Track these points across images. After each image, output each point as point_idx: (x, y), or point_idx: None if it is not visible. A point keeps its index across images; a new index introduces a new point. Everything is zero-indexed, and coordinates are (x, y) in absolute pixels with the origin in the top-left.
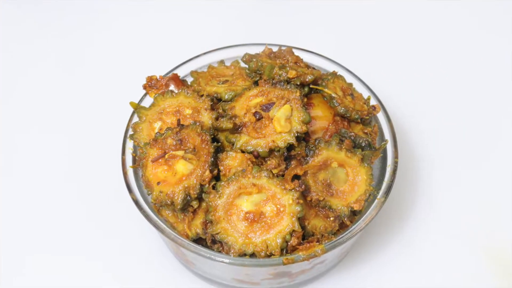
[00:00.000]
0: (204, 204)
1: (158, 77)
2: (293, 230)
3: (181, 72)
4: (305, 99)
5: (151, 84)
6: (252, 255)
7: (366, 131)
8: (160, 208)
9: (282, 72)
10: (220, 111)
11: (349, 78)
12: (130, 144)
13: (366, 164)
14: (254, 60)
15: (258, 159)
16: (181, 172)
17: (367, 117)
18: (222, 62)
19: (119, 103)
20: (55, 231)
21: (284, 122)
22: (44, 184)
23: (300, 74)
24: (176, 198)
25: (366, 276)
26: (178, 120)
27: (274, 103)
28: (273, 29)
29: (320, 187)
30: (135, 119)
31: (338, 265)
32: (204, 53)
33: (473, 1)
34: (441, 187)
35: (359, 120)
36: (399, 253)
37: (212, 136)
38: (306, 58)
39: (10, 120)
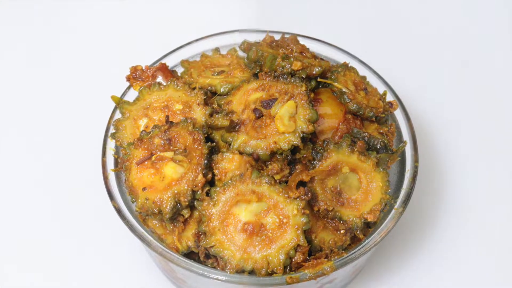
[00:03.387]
0: (196, 213)
1: (143, 67)
2: (298, 245)
3: (170, 62)
4: (312, 95)
5: (135, 76)
6: (251, 272)
7: (381, 131)
8: (146, 217)
9: (286, 64)
10: (215, 106)
11: (362, 71)
12: (111, 144)
13: (381, 169)
14: (253, 48)
15: (258, 162)
16: (170, 176)
17: (383, 115)
18: (217, 50)
19: (99, 97)
20: (25, 241)
21: (287, 120)
22: (15, 190)
23: (306, 65)
24: (164, 206)
25: None
26: (167, 117)
27: (276, 98)
28: (276, 15)
29: (329, 195)
30: (118, 115)
31: (349, 284)
32: (197, 40)
33: None
34: (467, 195)
35: (373, 119)
36: (420, 271)
37: (206, 135)
38: (313, 47)
39: None
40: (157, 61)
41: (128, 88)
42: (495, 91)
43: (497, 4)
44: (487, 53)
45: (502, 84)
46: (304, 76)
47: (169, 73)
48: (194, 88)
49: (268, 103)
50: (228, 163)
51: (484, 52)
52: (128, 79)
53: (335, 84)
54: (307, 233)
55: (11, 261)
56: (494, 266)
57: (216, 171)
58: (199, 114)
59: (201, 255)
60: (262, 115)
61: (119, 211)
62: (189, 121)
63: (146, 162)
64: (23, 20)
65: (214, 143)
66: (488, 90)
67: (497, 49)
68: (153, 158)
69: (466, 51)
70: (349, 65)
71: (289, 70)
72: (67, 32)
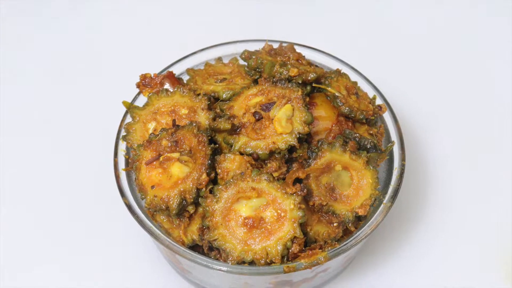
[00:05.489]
0: (200, 209)
1: (152, 75)
2: (295, 237)
3: (177, 70)
4: (307, 99)
5: (145, 83)
6: (251, 262)
7: (371, 132)
8: (155, 213)
9: (283, 70)
10: (218, 111)
11: (353, 77)
12: (122, 145)
13: (371, 167)
14: (253, 57)
15: (258, 161)
16: (177, 175)
17: (373, 118)
18: (219, 59)
19: (111, 103)
20: (43, 236)
21: (285, 122)
22: (33, 187)
23: (302, 72)
24: (171, 202)
25: (371, 285)
26: (174, 121)
27: (274, 102)
28: (274, 25)
29: (323, 191)
30: (128, 119)
31: (342, 273)
32: (201, 50)
33: (483, 1)
34: (451, 191)
35: (364, 121)
36: (406, 261)
37: (209, 137)
38: (309, 55)
39: None
40: (164, 69)
41: (138, 94)
42: (477, 96)
43: (480, 11)
44: (470, 61)
45: (484, 89)
46: (300, 82)
47: (176, 80)
48: (198, 94)
49: (267, 106)
50: (230, 163)
51: (467, 59)
52: (138, 86)
53: (329, 89)
54: (303, 226)
55: (23, 255)
56: (472, 254)
57: (218, 171)
58: (203, 118)
59: (205, 248)
60: (262, 118)
61: (129, 207)
62: (194, 124)
63: (155, 162)
64: (41, 32)
65: (217, 145)
66: (471, 95)
67: (482, 53)
68: (161, 158)
69: (450, 58)
70: (342, 72)
71: (287, 76)
72: (84, 44)
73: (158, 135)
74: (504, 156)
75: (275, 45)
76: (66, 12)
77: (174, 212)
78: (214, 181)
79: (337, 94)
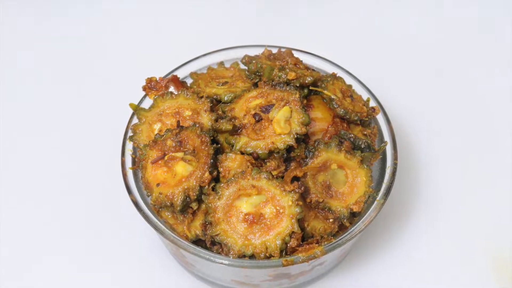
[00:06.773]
0: (203, 206)
1: (157, 79)
2: (293, 232)
3: (181, 74)
4: (305, 101)
5: (150, 86)
6: (252, 256)
7: (365, 132)
8: (160, 209)
9: (282, 74)
10: (220, 112)
11: (348, 80)
12: (129, 145)
13: (365, 166)
14: (253, 61)
15: (258, 160)
16: (181, 173)
17: (367, 119)
18: (221, 63)
19: (118, 105)
20: (52, 233)
21: (283, 123)
22: (42, 186)
23: (299, 75)
24: (175, 199)
25: (365, 277)
26: (178, 122)
27: (273, 104)
28: (273, 31)
29: (319, 188)
30: (135, 120)
31: (338, 266)
32: (204, 55)
33: (472, 5)
34: (441, 188)
35: (358, 122)
36: (398, 255)
37: (212, 138)
38: (306, 59)
39: (7, 122)
40: (169, 73)
41: (144, 97)
42: (465, 98)
43: (472, 13)
44: (458, 64)
45: (476, 90)
46: (298, 85)
47: (180, 83)
48: (201, 97)
49: (267, 108)
50: (231, 162)
51: (455, 63)
52: (144, 89)
53: (325, 91)
54: (300, 222)
55: (27, 255)
56: (466, 248)
57: (220, 169)
58: (206, 119)
59: (207, 243)
60: (261, 119)
61: (136, 204)
62: (197, 125)
63: (160, 161)
64: (50, 34)
65: (219, 145)
66: (459, 97)
67: (472, 57)
68: (166, 157)
69: (440, 62)
70: (337, 75)
71: (285, 79)
72: (91, 49)
73: (163, 135)
74: (495, 155)
75: (274, 50)
76: (75, 17)
77: (178, 208)
78: (216, 179)
79: (333, 96)
